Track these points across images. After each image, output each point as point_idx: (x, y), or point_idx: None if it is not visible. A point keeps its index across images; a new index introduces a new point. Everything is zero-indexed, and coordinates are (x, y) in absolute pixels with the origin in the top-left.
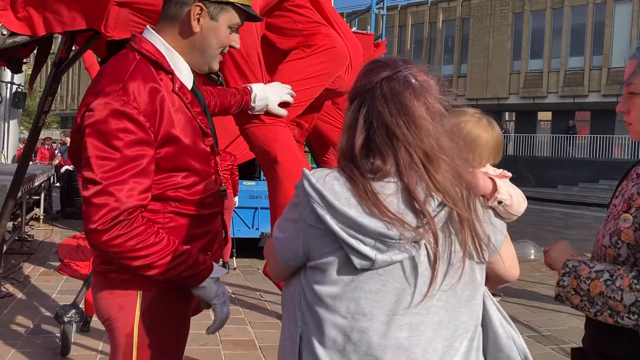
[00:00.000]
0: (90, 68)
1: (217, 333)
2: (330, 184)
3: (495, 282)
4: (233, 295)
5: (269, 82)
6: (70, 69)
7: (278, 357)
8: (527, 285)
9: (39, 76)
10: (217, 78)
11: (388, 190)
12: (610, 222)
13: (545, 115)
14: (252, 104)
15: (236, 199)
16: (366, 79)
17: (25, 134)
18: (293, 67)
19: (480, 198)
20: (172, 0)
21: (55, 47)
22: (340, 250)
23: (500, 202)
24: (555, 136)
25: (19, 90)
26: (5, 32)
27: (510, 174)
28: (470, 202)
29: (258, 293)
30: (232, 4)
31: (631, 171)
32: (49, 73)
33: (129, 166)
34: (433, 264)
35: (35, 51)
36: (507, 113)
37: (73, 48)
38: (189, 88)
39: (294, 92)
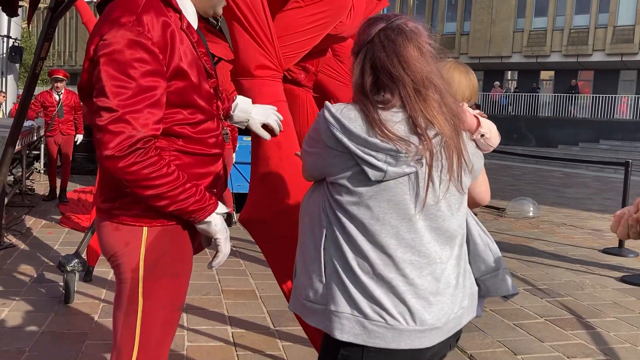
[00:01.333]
0: (87, 23)
1: (218, 284)
2: (346, 113)
3: (471, 204)
4: (234, 248)
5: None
6: (68, 26)
7: (298, 257)
8: (525, 241)
9: (34, 26)
10: (216, 23)
11: (397, 118)
12: None
13: (547, 75)
14: (231, 112)
15: (234, 155)
16: (366, 32)
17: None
18: (290, 18)
19: (467, 132)
20: None
21: None
22: (356, 166)
23: (482, 135)
24: (557, 95)
25: (16, 44)
26: None
27: (485, 115)
28: (458, 131)
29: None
30: None
31: None
32: (44, 18)
33: (144, 96)
34: (428, 175)
35: None
36: (509, 72)
37: None
38: (195, 29)
39: (281, 117)
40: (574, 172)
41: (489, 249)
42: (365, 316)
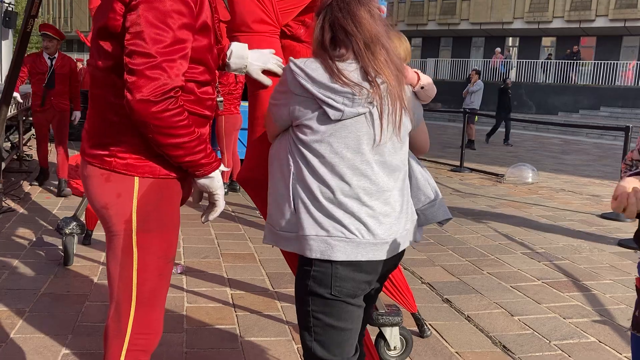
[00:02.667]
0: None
1: (217, 247)
2: (309, 64)
3: (415, 150)
4: (233, 214)
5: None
6: None
7: (270, 195)
8: (524, 206)
9: None
10: None
11: (351, 68)
12: None
13: (549, 41)
14: (227, 60)
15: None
16: None
17: None
18: None
19: (409, 85)
20: None
21: None
22: (319, 109)
23: (422, 88)
24: (558, 62)
25: (10, 9)
26: None
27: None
28: (400, 81)
29: (257, 212)
30: None
31: None
32: None
33: (178, 47)
34: (380, 116)
35: None
36: (510, 38)
37: None
38: None
39: (282, 65)
40: (574, 139)
41: (428, 183)
42: (328, 233)
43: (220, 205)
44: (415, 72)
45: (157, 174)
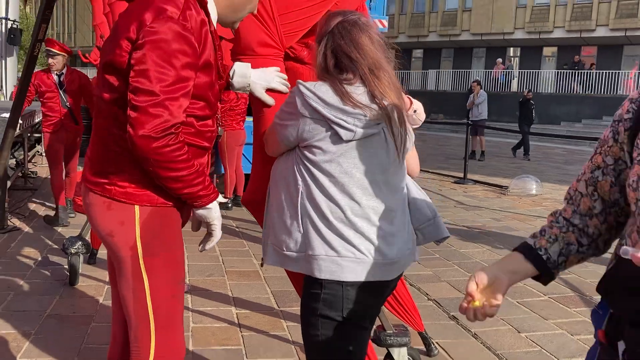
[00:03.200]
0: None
1: (222, 265)
2: (319, 87)
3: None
4: (237, 229)
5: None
6: (66, 7)
7: (273, 215)
8: (528, 219)
9: (32, 7)
10: None
11: (359, 91)
12: None
13: (550, 51)
14: (230, 80)
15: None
16: (327, 25)
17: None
18: None
19: None
20: None
21: None
22: (330, 130)
23: (415, 111)
24: (560, 72)
25: (15, 26)
26: None
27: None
28: (402, 102)
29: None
30: None
31: None
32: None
33: (181, 85)
34: (389, 136)
35: None
36: (511, 48)
37: None
38: None
39: (287, 82)
40: (577, 149)
41: (425, 202)
42: (338, 254)
43: (217, 235)
44: (408, 97)
45: (155, 202)
